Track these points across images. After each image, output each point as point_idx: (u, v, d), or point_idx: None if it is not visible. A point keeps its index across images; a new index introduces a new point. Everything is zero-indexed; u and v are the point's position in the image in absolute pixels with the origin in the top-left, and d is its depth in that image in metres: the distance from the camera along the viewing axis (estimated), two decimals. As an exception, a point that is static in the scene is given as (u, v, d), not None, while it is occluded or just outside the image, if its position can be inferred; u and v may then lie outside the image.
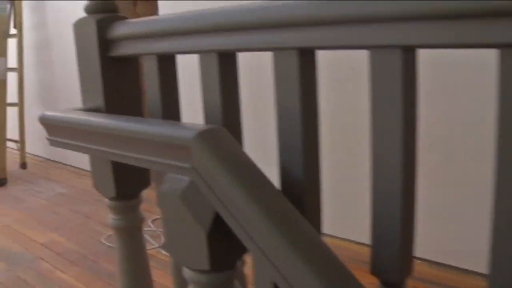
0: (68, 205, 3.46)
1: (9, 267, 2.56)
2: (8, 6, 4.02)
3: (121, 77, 0.93)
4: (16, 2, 4.07)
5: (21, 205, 3.56)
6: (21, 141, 4.28)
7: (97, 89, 0.92)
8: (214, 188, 0.61)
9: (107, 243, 2.73)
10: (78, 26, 0.93)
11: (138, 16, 4.18)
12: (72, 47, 4.05)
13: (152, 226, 2.95)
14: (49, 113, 0.89)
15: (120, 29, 0.88)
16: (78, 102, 4.17)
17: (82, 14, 3.81)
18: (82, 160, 4.32)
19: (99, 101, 0.92)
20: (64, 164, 4.56)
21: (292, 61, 0.66)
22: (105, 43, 0.90)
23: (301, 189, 0.69)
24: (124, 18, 0.92)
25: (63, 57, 4.20)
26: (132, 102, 0.95)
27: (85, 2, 3.44)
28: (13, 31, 4.16)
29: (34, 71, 4.54)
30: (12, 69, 4.15)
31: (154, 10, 4.27)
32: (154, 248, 2.65)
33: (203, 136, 0.61)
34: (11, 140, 4.32)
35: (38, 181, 4.10)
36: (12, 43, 4.56)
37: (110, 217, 1.02)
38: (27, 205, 3.53)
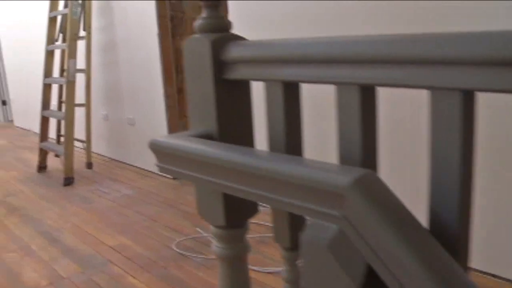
0: (133, 207, 3.50)
1: (83, 269, 2.60)
2: (79, 9, 4.11)
3: (235, 101, 0.88)
4: (86, 4, 4.16)
5: (88, 205, 3.63)
6: (88, 141, 4.38)
7: (209, 112, 0.88)
8: (368, 239, 0.55)
9: (177, 250, 2.73)
10: (190, 45, 0.89)
11: (204, 17, 4.17)
12: (137, 48, 4.10)
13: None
14: (160, 139, 0.86)
15: (238, 51, 0.83)
16: (142, 103, 4.22)
17: (148, 15, 3.85)
18: (143, 161, 4.37)
19: (211, 125, 0.88)
20: (127, 164, 4.64)
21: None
22: (220, 65, 0.86)
23: (452, 233, 0.63)
24: (238, 37, 0.88)
25: (128, 58, 4.25)
26: (244, 129, 0.90)
27: (150, 3, 3.41)
28: (82, 33, 4.25)
29: (100, 72, 4.63)
30: (80, 71, 4.24)
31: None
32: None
33: (359, 183, 0.55)
34: (77, 140, 4.42)
35: (103, 181, 4.18)
36: (80, 45, 4.66)
37: (214, 245, 0.98)
38: (94, 206, 3.60)
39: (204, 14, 0.88)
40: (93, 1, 4.45)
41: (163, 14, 3.79)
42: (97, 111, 4.75)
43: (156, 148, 0.86)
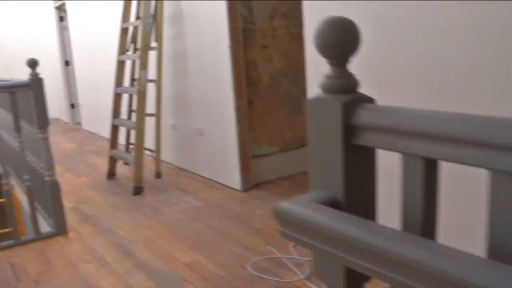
0: (203, 221, 3.52)
1: (157, 285, 2.63)
2: (151, 20, 4.18)
3: (362, 167, 0.84)
4: (158, 16, 4.23)
5: (159, 217, 3.68)
6: (157, 151, 4.46)
7: (336, 177, 0.84)
8: None
9: (253, 271, 2.72)
10: (316, 105, 0.85)
11: (275, 30, 4.16)
12: (207, 58, 4.13)
13: (294, 252, 2.89)
14: (285, 206, 0.83)
15: (371, 117, 0.79)
16: (211, 114, 4.24)
17: (219, 27, 3.85)
18: (211, 171, 4.39)
19: (337, 191, 0.84)
20: (194, 173, 4.68)
21: None
22: (349, 129, 0.82)
23: None
24: (368, 98, 0.83)
25: (198, 69, 4.29)
26: (369, 197, 0.86)
27: (222, 14, 3.37)
28: (153, 44, 4.33)
29: (169, 81, 4.69)
30: (151, 81, 4.32)
31: (290, 22, 4.22)
32: (299, 279, 2.58)
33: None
34: (146, 149, 4.50)
35: (172, 191, 4.24)
36: (151, 55, 4.74)
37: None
38: (164, 218, 3.65)
39: (331, 72, 0.85)
40: (164, 11, 4.52)
41: (234, 26, 3.80)
42: (166, 120, 4.83)
43: (281, 215, 0.83)
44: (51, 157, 3.30)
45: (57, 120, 9.52)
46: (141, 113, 4.20)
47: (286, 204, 0.83)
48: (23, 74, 8.92)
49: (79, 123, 8.74)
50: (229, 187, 4.20)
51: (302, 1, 3.04)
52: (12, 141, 3.99)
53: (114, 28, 5.65)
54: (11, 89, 3.16)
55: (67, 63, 8.88)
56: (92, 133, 7.81)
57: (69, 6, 7.98)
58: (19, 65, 9.25)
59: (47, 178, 3.33)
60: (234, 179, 4.09)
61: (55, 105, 9.74)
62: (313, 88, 3.15)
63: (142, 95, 4.18)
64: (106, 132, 6.93)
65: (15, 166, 4.13)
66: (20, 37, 9.55)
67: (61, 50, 8.89)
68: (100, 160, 5.72)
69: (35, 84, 3.16)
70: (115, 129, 4.74)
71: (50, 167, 3.31)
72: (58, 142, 7.21)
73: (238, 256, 2.91)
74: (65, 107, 9.13)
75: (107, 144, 6.58)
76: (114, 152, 4.74)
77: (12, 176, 4.25)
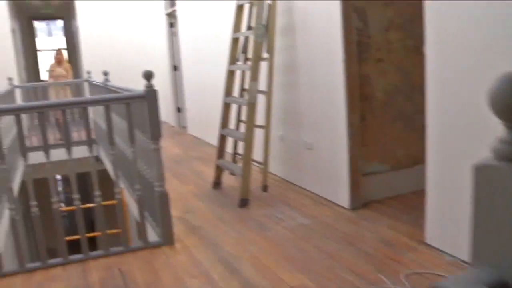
0: (312, 241, 3.45)
1: (265, 310, 2.61)
2: (263, 31, 4.20)
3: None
4: (270, 27, 4.23)
5: (265, 232, 3.67)
6: (265, 163, 4.47)
7: (507, 254, 0.74)
8: None
9: (365, 304, 2.61)
10: (487, 173, 0.76)
11: (390, 43, 4.00)
12: (319, 71, 4.06)
13: (406, 284, 2.74)
14: (445, 284, 0.74)
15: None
16: (321, 128, 4.17)
17: (333, 39, 3.77)
18: (319, 187, 4.32)
19: (508, 271, 0.74)
20: (301, 187, 4.64)
21: None
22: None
23: None
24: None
25: (309, 81, 4.24)
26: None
27: (336, 27, 3.29)
28: (264, 54, 4.33)
29: (278, 92, 4.68)
30: (261, 92, 4.34)
31: (406, 35, 4.03)
32: (417, 317, 2.44)
33: None
34: (254, 161, 4.53)
35: (278, 206, 4.22)
36: (262, 66, 4.77)
37: None
38: (271, 234, 3.63)
39: (508, 136, 0.75)
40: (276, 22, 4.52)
41: (349, 39, 3.70)
42: (273, 132, 4.83)
43: (441, 295, 0.74)
44: (162, 168, 3.40)
45: (164, 123, 9.94)
46: (250, 125, 4.23)
47: (447, 284, 0.74)
48: (134, 78, 9.45)
49: (184, 127, 9.04)
50: (337, 205, 4.10)
51: (424, 13, 2.89)
52: (124, 147, 4.18)
53: (222, 35, 5.78)
54: (127, 100, 3.31)
55: (175, 68, 9.22)
56: (197, 138, 8.04)
57: (179, 13, 8.29)
58: (131, 70, 9.82)
59: (157, 189, 3.44)
60: (343, 196, 3.99)
61: (162, 109, 10.14)
62: (434, 107, 2.98)
63: (251, 106, 4.20)
64: (211, 138, 7.11)
65: (126, 171, 4.33)
66: (134, 42, 10.11)
67: (170, 55, 9.26)
68: (205, 168, 5.85)
69: (150, 96, 3.27)
70: (222, 139, 4.82)
71: (161, 178, 3.42)
72: (165, 146, 7.45)
73: (347, 283, 2.81)
74: (172, 111, 9.49)
75: (212, 151, 6.73)
76: (221, 162, 4.82)
77: (122, 179, 4.44)
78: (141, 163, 3.72)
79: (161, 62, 9.78)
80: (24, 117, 8.49)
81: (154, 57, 10.04)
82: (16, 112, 3.11)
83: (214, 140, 6.88)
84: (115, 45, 10.09)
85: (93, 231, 5.56)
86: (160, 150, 3.36)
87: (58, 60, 8.52)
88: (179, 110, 9.34)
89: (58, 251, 3.20)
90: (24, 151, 3.05)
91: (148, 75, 3.24)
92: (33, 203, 3.10)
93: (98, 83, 6.39)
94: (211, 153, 6.57)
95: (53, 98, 8.31)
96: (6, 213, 4.05)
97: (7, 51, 9.47)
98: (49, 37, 14.64)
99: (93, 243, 3.77)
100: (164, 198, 3.45)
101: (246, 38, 4.72)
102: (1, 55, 9.37)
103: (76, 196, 3.24)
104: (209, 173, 5.43)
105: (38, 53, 14.43)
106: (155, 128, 3.28)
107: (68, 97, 8.39)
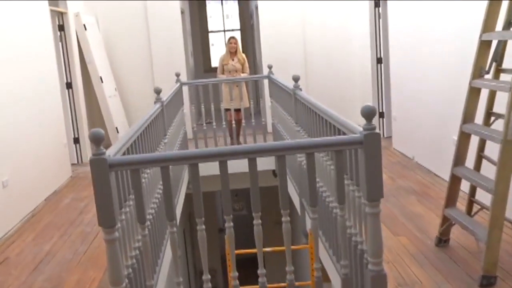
0: None
1: None
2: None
3: None
4: None
5: None
6: (523, 228, 3.79)
7: None
8: None
9: None
10: None
11: None
12: None
13: None
14: None
15: None
16: None
17: None
18: None
19: None
20: None
21: None
22: None
23: None
24: None
25: None
26: None
27: None
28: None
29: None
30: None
31: None
32: None
33: None
34: (506, 220, 3.87)
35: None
36: None
37: None
38: None
39: None
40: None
41: None
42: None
43: None
44: (380, 241, 2.96)
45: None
46: (506, 171, 3.58)
47: None
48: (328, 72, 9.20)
49: (388, 138, 8.57)
50: None
51: None
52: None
53: (462, 31, 5.28)
54: (337, 147, 2.94)
55: (379, 60, 8.79)
56: (406, 156, 7.52)
57: (389, -12, 7.83)
58: (320, 61, 9.66)
59: (371, 267, 3.01)
60: None
61: (357, 109, 9.84)
62: None
63: (510, 145, 3.55)
64: (429, 160, 6.59)
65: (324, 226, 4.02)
66: (330, 25, 9.95)
67: (372, 43, 8.84)
68: (423, 210, 5.32)
69: (370, 142, 2.85)
70: (455, 181, 4.26)
71: (378, 253, 2.98)
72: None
73: None
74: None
75: (432, 180, 6.21)
76: (450, 212, 4.26)
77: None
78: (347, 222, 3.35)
79: (361, 51, 9.41)
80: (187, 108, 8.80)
81: (353, 45, 9.74)
82: (181, 161, 2.95)
83: (434, 165, 6.40)
84: (304, 31, 9.96)
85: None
86: (378, 216, 2.93)
87: (231, 51, 8.58)
88: (381, 115, 8.89)
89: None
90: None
91: (369, 113, 2.81)
92: (201, 226, 2.94)
93: (283, 86, 6.16)
94: (430, 184, 6.09)
95: (225, 98, 8.38)
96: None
97: (175, 35, 9.94)
98: (225, 19, 15.05)
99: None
100: (380, 283, 3.00)
101: (502, 42, 4.02)
102: (169, 41, 9.86)
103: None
104: (429, 219, 4.99)
105: (210, 37, 14.99)
106: (373, 186, 2.85)
107: (244, 97, 8.38)
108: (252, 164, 2.88)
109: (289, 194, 3.20)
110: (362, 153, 2.87)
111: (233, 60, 8.53)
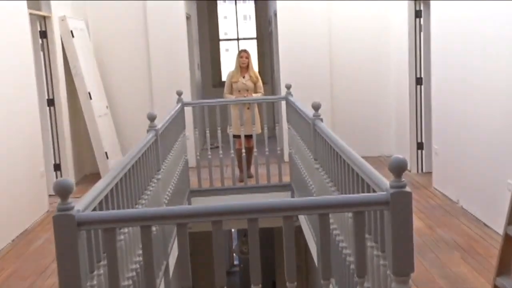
0: None
1: None
2: None
3: None
4: None
5: None
6: None
7: None
8: None
9: None
10: None
11: None
12: None
13: None
14: None
15: None
16: None
17: None
18: None
19: None
20: None
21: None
22: None
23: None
24: None
25: None
26: None
27: None
28: None
29: None
30: None
31: None
32: None
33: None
34: None
35: None
36: None
37: None
38: None
39: None
40: None
41: None
42: None
43: None
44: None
45: (389, 158, 9.46)
46: None
47: None
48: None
49: (427, 174, 8.44)
50: None
51: None
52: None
53: None
54: (356, 207, 2.82)
55: (418, 81, 8.69)
56: (449, 199, 7.37)
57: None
58: (355, 78, 9.59)
59: None
60: None
61: (391, 138, 9.80)
62: None
63: None
64: (475, 205, 6.46)
65: None
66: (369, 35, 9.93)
67: (410, 60, 8.76)
68: (467, 270, 5.19)
69: (398, 201, 2.74)
70: (510, 243, 4.10)
71: None
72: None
73: None
74: (408, 145, 8.98)
75: (479, 233, 6.07)
76: (504, 282, 4.12)
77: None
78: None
79: (397, 69, 9.33)
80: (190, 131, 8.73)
81: (388, 62, 9.67)
82: (167, 220, 2.85)
83: (484, 212, 6.29)
84: (331, 43, 9.88)
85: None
86: (407, 293, 2.81)
87: (242, 66, 8.49)
88: (420, 146, 8.76)
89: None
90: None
91: (399, 167, 2.71)
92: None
93: (302, 113, 6.05)
94: (479, 238, 5.97)
95: (234, 123, 8.24)
96: None
97: (179, 43, 9.90)
98: (239, 23, 15.04)
99: None
100: None
101: None
102: (172, 51, 9.83)
103: None
104: (476, 284, 4.84)
105: (222, 45, 15.00)
106: (402, 258, 2.75)
107: (257, 122, 8.26)
108: (253, 226, 2.77)
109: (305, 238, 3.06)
110: (389, 216, 2.78)
111: (244, 77, 8.46)
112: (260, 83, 8.58)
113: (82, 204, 2.85)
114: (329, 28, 9.84)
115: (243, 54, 8.51)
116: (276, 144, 9.18)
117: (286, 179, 8.06)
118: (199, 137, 9.36)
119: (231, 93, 8.55)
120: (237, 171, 8.25)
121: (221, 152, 7.98)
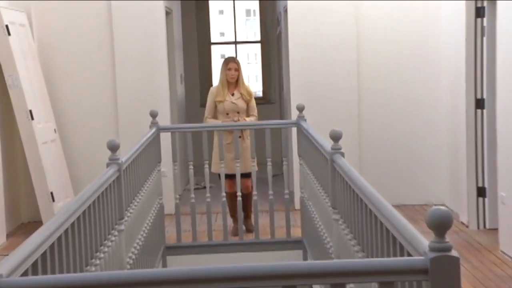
0: None
1: None
2: None
3: None
4: None
5: None
6: None
7: None
8: None
9: None
10: None
11: None
12: None
13: None
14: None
15: None
16: None
17: None
18: None
19: None
20: None
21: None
22: None
23: None
24: None
25: None
26: None
27: None
28: None
29: None
30: None
31: None
32: None
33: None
34: None
35: None
36: None
37: None
38: None
39: None
40: None
41: None
42: None
43: None
44: None
45: (434, 209, 9.48)
46: None
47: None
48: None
49: (492, 231, 8.41)
50: None
51: None
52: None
53: None
54: (384, 276, 2.84)
55: (479, 103, 8.71)
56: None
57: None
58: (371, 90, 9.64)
59: None
60: None
61: (441, 182, 9.81)
62: None
63: None
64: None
65: None
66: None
67: (468, 75, 8.76)
68: None
69: (439, 271, 2.78)
70: None
71: None
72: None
73: None
74: (463, 190, 9.00)
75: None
76: None
77: None
78: None
79: (450, 87, 9.36)
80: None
81: (437, 77, 9.70)
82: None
83: None
84: (359, 50, 9.92)
85: None
86: None
87: (230, 81, 8.49)
88: (481, 193, 8.76)
89: None
90: None
91: (439, 224, 2.73)
92: None
93: (317, 144, 6.07)
94: None
95: (220, 157, 8.14)
96: None
97: (156, 47, 9.91)
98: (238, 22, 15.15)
99: None
100: None
101: None
102: (145, 56, 9.82)
103: None
104: None
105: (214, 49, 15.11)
106: None
107: (248, 156, 8.24)
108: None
109: None
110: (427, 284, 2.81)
111: (232, 95, 8.45)
112: (253, 102, 8.59)
113: (7, 266, 2.84)
114: (357, 33, 9.85)
115: (231, 66, 8.46)
116: (283, 185, 9.13)
117: (297, 232, 8.06)
118: (180, 174, 9.38)
119: (214, 116, 8.54)
120: (230, 221, 8.24)
121: (208, 194, 7.97)
